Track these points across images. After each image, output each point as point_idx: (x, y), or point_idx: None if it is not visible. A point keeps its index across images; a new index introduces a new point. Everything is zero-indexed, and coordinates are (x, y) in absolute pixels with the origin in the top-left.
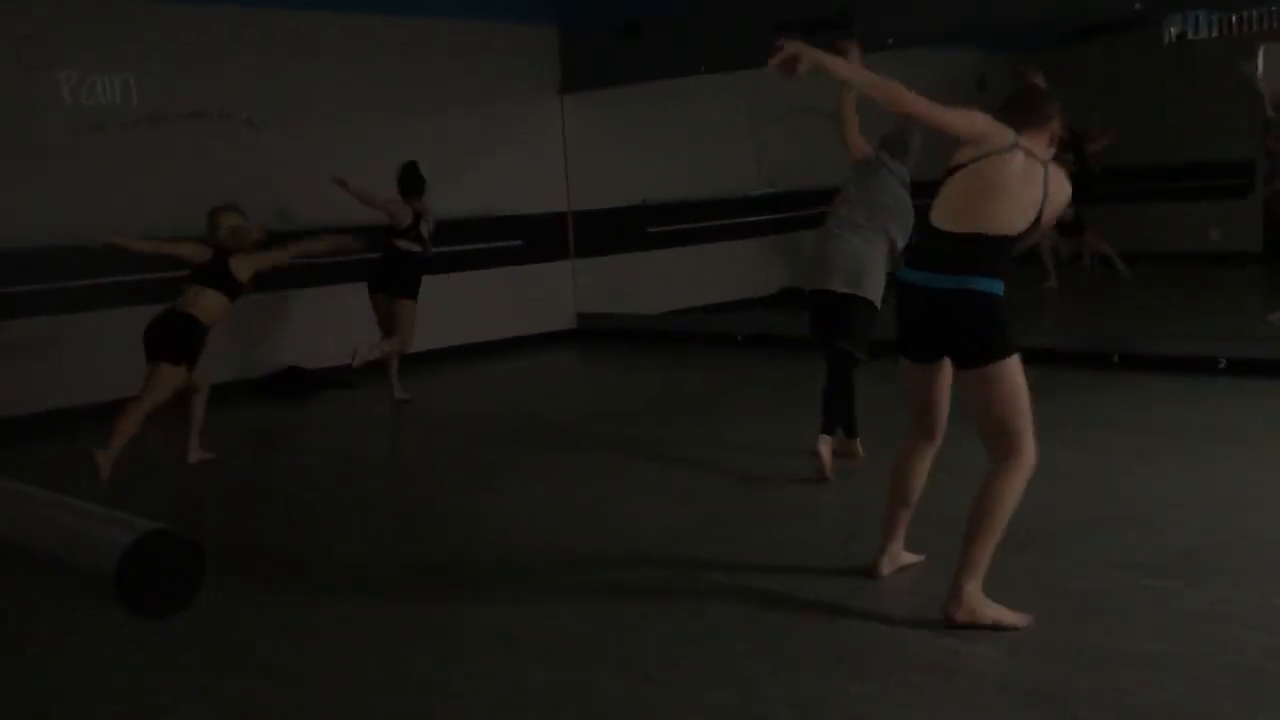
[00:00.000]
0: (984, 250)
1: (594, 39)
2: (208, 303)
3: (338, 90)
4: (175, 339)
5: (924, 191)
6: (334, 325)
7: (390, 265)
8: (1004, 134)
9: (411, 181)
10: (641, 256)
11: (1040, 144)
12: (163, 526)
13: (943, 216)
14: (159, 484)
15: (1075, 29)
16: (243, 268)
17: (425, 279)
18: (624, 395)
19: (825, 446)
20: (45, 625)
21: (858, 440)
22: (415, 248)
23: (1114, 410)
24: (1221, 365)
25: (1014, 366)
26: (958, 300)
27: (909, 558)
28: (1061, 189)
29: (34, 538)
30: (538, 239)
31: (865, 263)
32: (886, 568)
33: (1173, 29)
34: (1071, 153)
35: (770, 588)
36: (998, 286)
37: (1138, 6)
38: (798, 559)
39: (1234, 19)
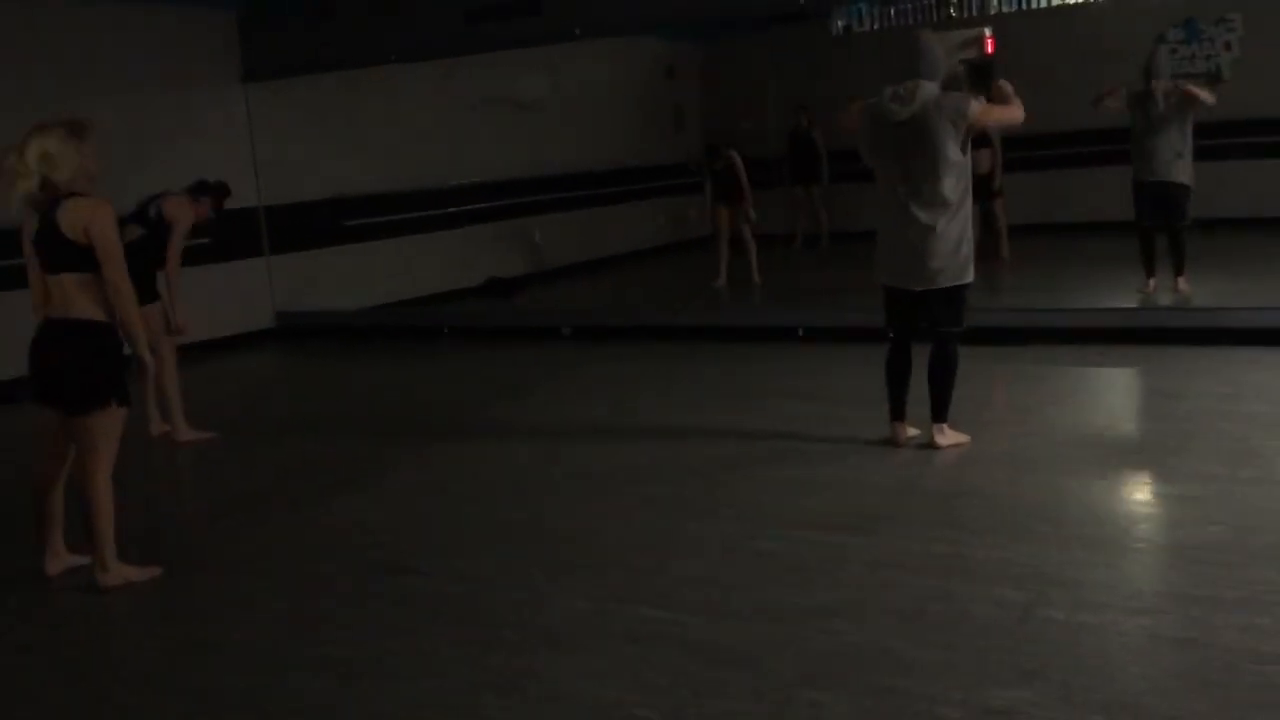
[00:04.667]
0: None
1: (278, 26)
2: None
3: (12, 77)
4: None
5: None
6: None
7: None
8: None
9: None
10: (341, 250)
11: None
12: None
13: None
14: None
15: (751, 20)
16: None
17: None
18: (326, 394)
19: None
20: None
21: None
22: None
23: (793, 379)
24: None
25: None
26: None
27: None
28: None
29: None
30: (227, 235)
31: None
32: None
33: (839, 21)
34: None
35: (475, 572)
36: None
37: (802, 1)
38: (496, 544)
39: (892, 12)
